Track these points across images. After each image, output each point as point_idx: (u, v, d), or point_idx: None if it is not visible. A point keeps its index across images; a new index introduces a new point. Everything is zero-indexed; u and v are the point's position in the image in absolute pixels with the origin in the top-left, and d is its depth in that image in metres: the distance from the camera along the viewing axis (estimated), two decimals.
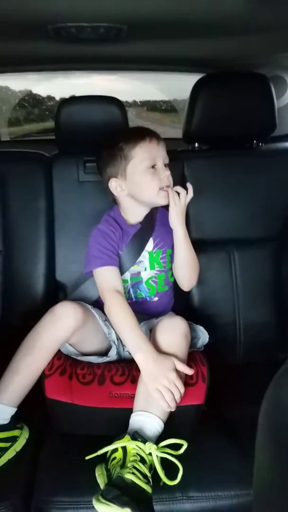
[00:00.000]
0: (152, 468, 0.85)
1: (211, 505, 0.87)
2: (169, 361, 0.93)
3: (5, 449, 0.94)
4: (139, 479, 0.80)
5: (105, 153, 1.12)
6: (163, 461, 0.86)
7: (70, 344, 1.05)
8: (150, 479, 0.83)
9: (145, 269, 1.16)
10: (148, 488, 0.80)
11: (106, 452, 0.88)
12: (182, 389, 0.92)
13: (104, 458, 0.88)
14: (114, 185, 1.12)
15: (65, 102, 1.35)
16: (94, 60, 1.61)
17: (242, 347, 1.34)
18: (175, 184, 1.13)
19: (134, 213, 1.16)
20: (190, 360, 1.02)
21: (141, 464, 0.83)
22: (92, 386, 0.98)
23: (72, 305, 1.01)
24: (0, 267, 1.31)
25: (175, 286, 1.22)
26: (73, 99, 1.45)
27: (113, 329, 1.07)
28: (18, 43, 1.27)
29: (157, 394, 0.90)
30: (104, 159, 1.13)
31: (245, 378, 1.22)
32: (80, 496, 0.85)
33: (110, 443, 0.88)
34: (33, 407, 0.99)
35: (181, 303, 1.27)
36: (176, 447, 0.88)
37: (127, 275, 1.14)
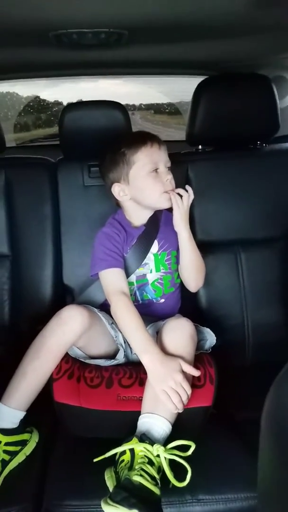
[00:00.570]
0: (160, 470, 0.85)
1: (221, 507, 0.87)
2: (175, 362, 0.93)
3: (15, 453, 0.95)
4: (147, 481, 0.80)
5: (107, 158, 1.14)
6: (172, 463, 0.86)
7: (77, 347, 1.06)
8: (159, 481, 0.83)
9: (151, 271, 1.16)
10: (156, 490, 0.80)
11: (115, 455, 0.88)
12: (189, 391, 0.92)
13: (113, 461, 0.88)
14: (117, 190, 1.13)
15: (68, 107, 1.36)
16: (97, 65, 1.62)
17: (251, 349, 1.33)
18: (180, 187, 1.13)
19: (138, 216, 1.17)
20: (197, 362, 1.02)
21: (149, 466, 0.83)
22: (100, 389, 0.99)
23: (78, 308, 1.01)
24: (8, 272, 1.33)
25: (182, 287, 1.22)
26: (76, 105, 1.47)
27: (120, 332, 1.08)
28: (20, 50, 1.29)
29: (164, 396, 0.90)
30: (106, 164, 1.14)
31: (254, 380, 1.21)
32: (90, 499, 0.86)
33: (118, 445, 0.88)
34: (42, 410, 0.99)
35: (189, 305, 1.27)
36: (184, 448, 0.88)
37: (133, 278, 1.15)
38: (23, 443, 0.97)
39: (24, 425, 0.99)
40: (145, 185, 1.10)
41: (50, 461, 0.96)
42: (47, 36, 1.09)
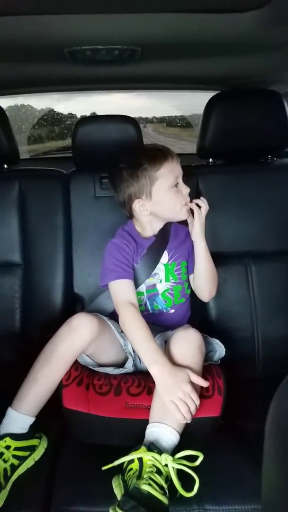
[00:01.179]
0: (168, 479, 0.85)
1: None
2: (183, 373, 0.94)
3: (24, 458, 0.96)
4: (156, 490, 0.80)
5: (125, 173, 1.12)
6: (179, 473, 0.86)
7: (87, 355, 1.07)
8: (167, 491, 0.83)
9: (160, 281, 1.17)
10: (164, 499, 0.80)
11: (123, 463, 0.88)
12: (197, 401, 0.92)
13: (121, 469, 0.89)
14: (138, 205, 1.13)
15: (81, 121, 1.39)
16: (110, 81, 1.65)
17: (260, 362, 1.33)
18: (191, 198, 1.15)
19: (151, 227, 1.18)
20: (206, 372, 1.02)
21: (157, 475, 0.84)
22: (108, 397, 1.00)
23: (88, 316, 1.03)
24: (19, 281, 1.35)
25: (192, 298, 1.23)
26: (90, 119, 1.50)
27: None
28: (36, 66, 1.32)
29: (173, 406, 0.91)
30: (124, 179, 1.12)
31: (263, 392, 1.21)
32: (97, 506, 0.86)
33: (126, 453, 0.88)
34: (51, 417, 1.01)
35: (198, 316, 1.27)
36: (192, 459, 0.88)
37: (143, 287, 1.16)
38: (32, 449, 0.98)
39: (33, 431, 1.00)
40: (167, 200, 1.12)
41: (58, 467, 0.97)
42: (62, 53, 1.13)
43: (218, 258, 1.24)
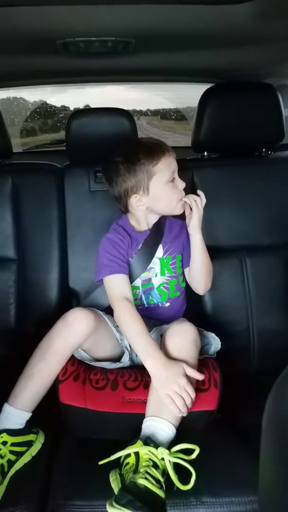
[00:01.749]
0: (165, 473, 0.86)
1: (225, 510, 0.87)
2: (179, 366, 0.94)
3: (21, 453, 0.96)
4: (152, 484, 0.81)
5: (122, 167, 1.10)
6: (176, 466, 0.86)
7: (83, 350, 1.07)
8: (163, 484, 0.83)
9: (156, 275, 1.17)
10: (161, 493, 0.81)
11: (120, 457, 0.89)
12: (193, 394, 0.92)
13: (117, 463, 0.89)
14: (134, 200, 1.12)
15: (75, 114, 1.38)
16: (103, 73, 1.64)
17: (256, 355, 1.34)
18: (186, 192, 1.14)
19: (146, 221, 1.18)
20: (202, 366, 1.03)
21: (153, 469, 0.84)
22: (105, 392, 1.00)
23: (84, 311, 1.03)
24: (14, 276, 1.34)
25: (187, 292, 1.23)
26: (83, 112, 1.49)
27: None
28: (28, 58, 1.31)
29: (168, 400, 0.91)
30: (121, 173, 1.10)
31: (259, 385, 1.21)
32: (95, 500, 0.86)
33: (123, 447, 0.89)
34: (48, 412, 1.01)
35: (194, 310, 1.28)
36: (189, 452, 0.88)
37: (138, 282, 1.16)
38: (29, 444, 0.98)
39: (30, 426, 1.00)
40: (164, 195, 1.11)
41: (56, 462, 0.97)
42: (55, 45, 1.12)
43: (213, 251, 1.24)
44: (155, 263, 1.17)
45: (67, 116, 1.41)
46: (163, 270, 1.18)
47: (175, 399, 0.91)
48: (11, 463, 0.93)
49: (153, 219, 1.18)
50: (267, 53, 1.30)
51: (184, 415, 0.92)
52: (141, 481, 0.80)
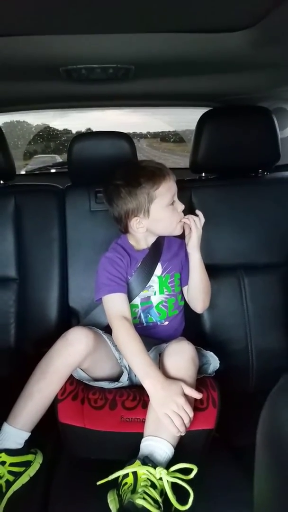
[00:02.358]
0: (163, 493, 0.85)
1: None
2: (177, 386, 0.94)
3: (19, 474, 0.95)
4: (150, 504, 0.80)
5: (123, 191, 1.11)
6: (174, 486, 0.86)
7: (82, 370, 1.07)
8: (161, 504, 0.83)
9: (155, 293, 1.18)
10: None
11: (118, 477, 0.88)
12: (191, 414, 0.92)
13: (115, 483, 0.88)
14: (135, 223, 1.13)
15: (77, 138, 1.42)
16: (105, 98, 1.69)
17: (254, 374, 1.33)
18: (184, 212, 1.16)
19: (145, 242, 1.19)
20: (200, 385, 1.03)
21: (151, 489, 0.84)
22: (103, 411, 1.00)
23: (84, 330, 1.03)
24: (15, 295, 1.35)
25: (186, 310, 1.24)
26: (85, 135, 1.52)
27: None
28: (32, 84, 1.35)
29: (166, 419, 0.91)
30: (122, 196, 1.11)
31: (257, 405, 1.21)
32: None
33: (122, 467, 0.88)
34: (47, 431, 1.00)
35: (192, 329, 1.28)
36: (187, 472, 0.88)
37: (137, 300, 1.17)
38: (27, 464, 0.98)
39: (29, 446, 0.99)
40: (164, 217, 1.12)
41: (53, 483, 0.96)
42: (58, 71, 1.15)
43: (211, 270, 1.25)
44: (154, 281, 1.18)
45: (69, 139, 1.44)
46: (161, 288, 1.19)
47: (173, 419, 0.91)
48: (9, 484, 0.93)
49: (152, 238, 1.20)
50: (262, 78, 1.33)
51: (182, 434, 0.92)
52: (139, 501, 0.80)
